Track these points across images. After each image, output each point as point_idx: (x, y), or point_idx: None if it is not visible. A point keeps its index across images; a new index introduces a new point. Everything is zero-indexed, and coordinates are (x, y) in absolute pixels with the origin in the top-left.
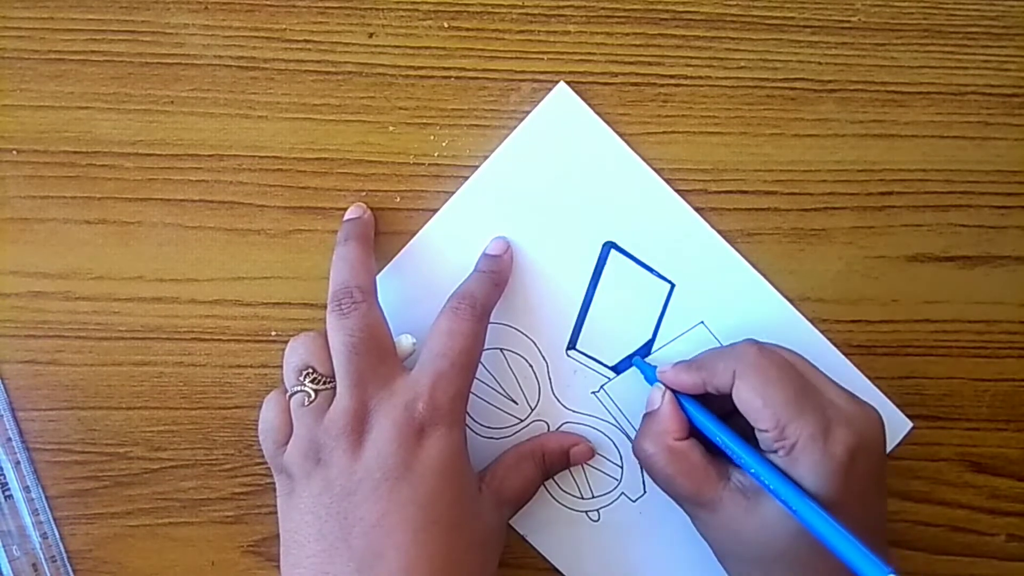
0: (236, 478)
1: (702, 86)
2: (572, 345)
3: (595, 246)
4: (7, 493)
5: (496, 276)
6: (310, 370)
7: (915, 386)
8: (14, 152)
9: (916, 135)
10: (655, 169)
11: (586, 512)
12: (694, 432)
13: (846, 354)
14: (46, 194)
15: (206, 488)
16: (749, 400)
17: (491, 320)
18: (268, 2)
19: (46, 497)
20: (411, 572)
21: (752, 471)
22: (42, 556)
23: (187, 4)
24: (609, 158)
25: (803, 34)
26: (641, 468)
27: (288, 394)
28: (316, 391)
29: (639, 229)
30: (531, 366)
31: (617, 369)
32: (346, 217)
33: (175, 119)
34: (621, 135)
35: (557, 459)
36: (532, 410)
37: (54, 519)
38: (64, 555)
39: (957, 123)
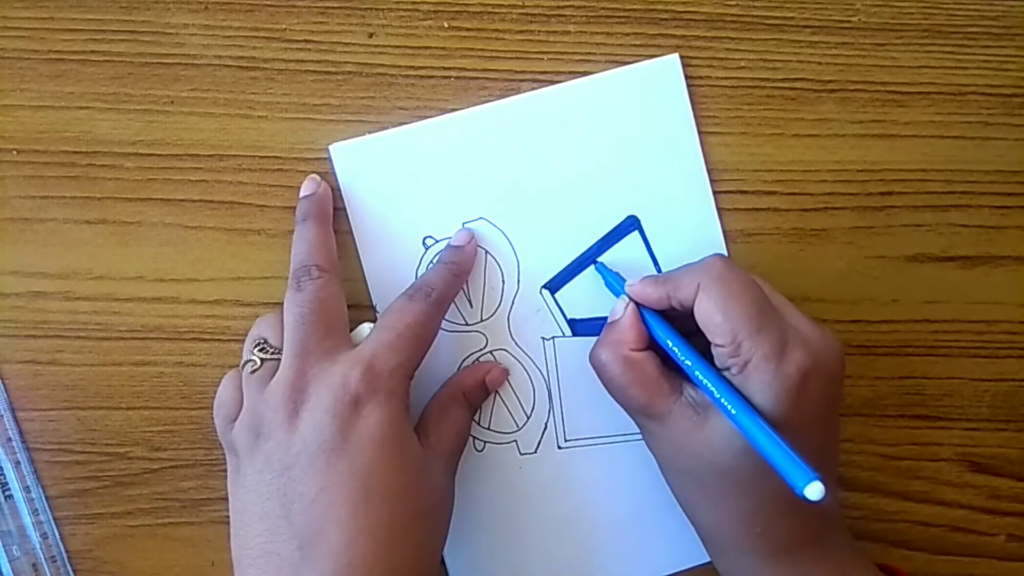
0: None
1: (702, 86)
2: (550, 287)
3: (620, 212)
4: (7, 493)
5: (456, 267)
6: (263, 341)
7: (915, 386)
8: (14, 152)
9: (916, 135)
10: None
11: (475, 438)
12: (652, 347)
13: (846, 354)
14: (46, 194)
15: (206, 488)
16: (709, 313)
17: (495, 223)
18: (268, 2)
19: (46, 497)
20: (352, 546)
21: (703, 383)
22: (42, 556)
23: (187, 4)
24: (676, 142)
25: (803, 34)
26: (541, 425)
27: (240, 365)
28: (263, 360)
29: (665, 219)
30: (503, 282)
31: (575, 330)
32: (302, 193)
33: (175, 119)
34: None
35: (478, 392)
36: (481, 321)
37: (54, 519)
38: (64, 555)
39: (957, 123)
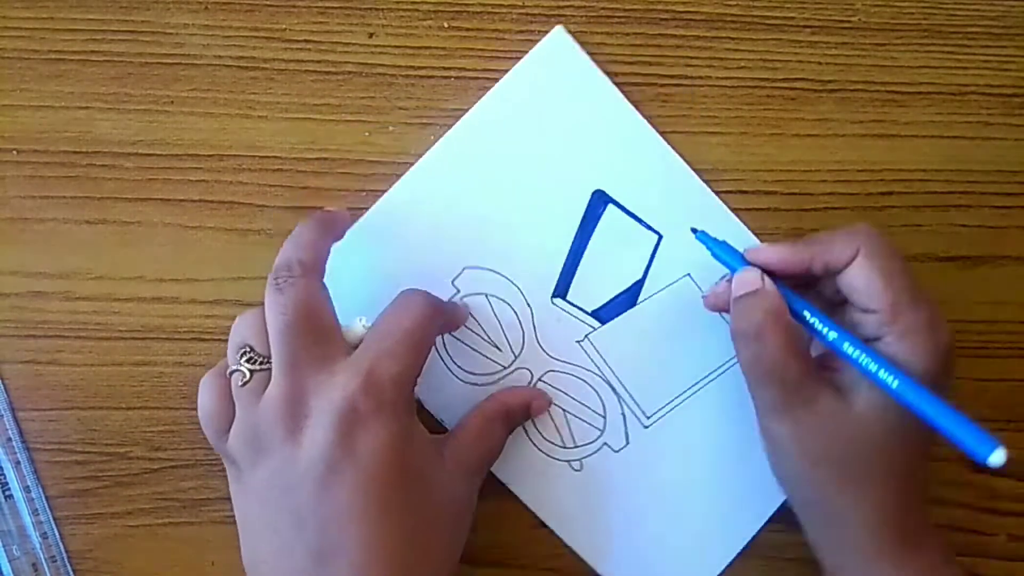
0: None
1: (702, 86)
2: (558, 293)
3: (584, 194)
4: (7, 493)
5: (450, 317)
6: (247, 348)
7: None
8: (14, 152)
9: (916, 135)
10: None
11: (568, 462)
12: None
13: None
14: (46, 194)
15: (206, 488)
16: (870, 279)
17: (478, 266)
18: (268, 2)
19: (46, 497)
20: (371, 564)
21: (854, 356)
22: (42, 556)
23: (187, 4)
24: (601, 105)
25: (803, 34)
26: (624, 421)
27: (228, 372)
28: (251, 371)
29: (629, 178)
30: (516, 313)
31: (601, 318)
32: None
33: (175, 119)
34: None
35: (520, 413)
36: (516, 357)
37: (54, 519)
38: (64, 555)
39: (957, 123)
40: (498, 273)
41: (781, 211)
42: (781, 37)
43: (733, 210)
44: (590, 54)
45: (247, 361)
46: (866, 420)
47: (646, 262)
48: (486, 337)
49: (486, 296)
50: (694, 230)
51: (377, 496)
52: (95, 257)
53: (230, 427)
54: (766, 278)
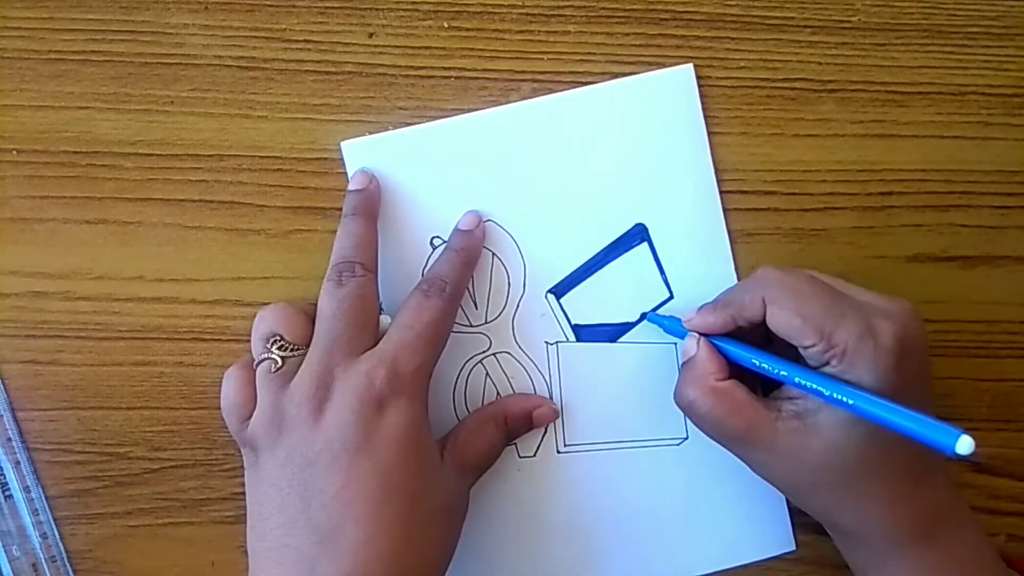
0: (236, 478)
1: (703, 86)
2: (555, 291)
3: (628, 219)
4: (7, 493)
5: (467, 254)
6: (277, 338)
7: None
8: (14, 152)
9: (916, 135)
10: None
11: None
12: (734, 375)
13: None
14: (46, 194)
15: (206, 488)
16: (787, 321)
17: (503, 226)
18: (268, 2)
19: (46, 497)
20: (370, 544)
21: (808, 386)
22: (42, 556)
23: (187, 4)
24: (688, 153)
25: (803, 34)
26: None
27: (255, 362)
28: (283, 358)
29: (674, 231)
30: (509, 285)
31: (579, 335)
32: (352, 187)
33: (175, 119)
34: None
35: (520, 422)
36: (485, 322)
37: (54, 519)
38: (64, 555)
39: (957, 123)
40: (515, 241)
41: (781, 211)
42: (781, 37)
43: (733, 210)
44: (590, 53)
45: (278, 348)
46: (836, 440)
47: (647, 310)
48: (471, 291)
49: (493, 254)
50: (646, 316)
51: (385, 479)
52: (95, 257)
53: (250, 416)
54: (701, 342)
